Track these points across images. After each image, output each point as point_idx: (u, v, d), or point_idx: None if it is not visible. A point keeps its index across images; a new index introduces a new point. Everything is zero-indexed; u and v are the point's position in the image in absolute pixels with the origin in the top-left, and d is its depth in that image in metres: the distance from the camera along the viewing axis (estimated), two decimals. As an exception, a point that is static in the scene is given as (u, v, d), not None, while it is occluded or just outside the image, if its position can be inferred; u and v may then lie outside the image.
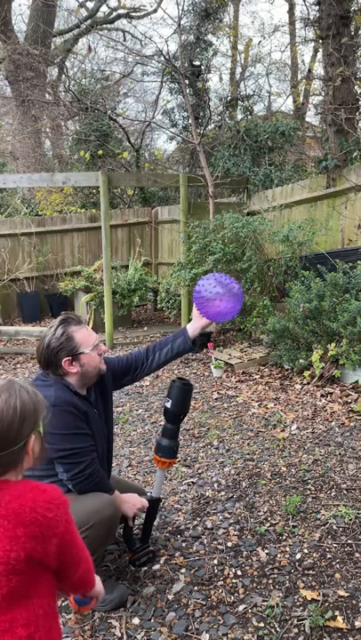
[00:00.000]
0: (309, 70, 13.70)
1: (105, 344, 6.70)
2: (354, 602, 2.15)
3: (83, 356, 2.12)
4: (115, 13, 15.62)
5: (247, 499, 3.00)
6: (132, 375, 2.50)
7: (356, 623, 2.04)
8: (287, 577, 2.33)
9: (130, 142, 10.58)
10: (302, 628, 2.03)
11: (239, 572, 2.38)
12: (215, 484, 3.20)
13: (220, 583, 2.32)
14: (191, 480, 3.29)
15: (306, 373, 4.77)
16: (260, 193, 7.44)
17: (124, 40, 15.32)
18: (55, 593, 1.26)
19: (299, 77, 14.18)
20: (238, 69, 12.41)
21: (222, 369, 5.38)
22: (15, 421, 1.17)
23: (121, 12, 15.24)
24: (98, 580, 1.41)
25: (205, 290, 2.39)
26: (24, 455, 1.21)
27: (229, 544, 2.60)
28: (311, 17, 6.61)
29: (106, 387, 2.37)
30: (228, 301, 2.38)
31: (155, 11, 14.71)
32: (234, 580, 2.33)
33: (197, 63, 9.34)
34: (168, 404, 2.38)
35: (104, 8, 15.40)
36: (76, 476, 2.05)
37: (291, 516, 2.79)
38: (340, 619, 2.05)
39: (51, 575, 1.22)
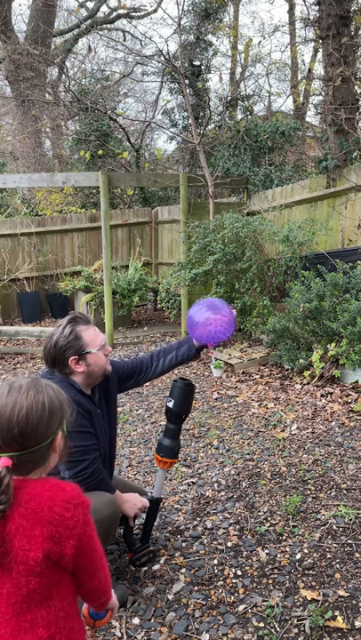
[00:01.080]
0: (309, 70, 13.71)
1: (105, 344, 6.69)
2: (354, 602, 2.15)
3: (89, 355, 2.14)
4: (115, 13, 15.64)
5: (247, 499, 3.00)
6: (136, 379, 2.53)
7: (357, 623, 2.04)
8: (287, 577, 2.33)
9: (130, 142, 10.57)
10: (302, 628, 2.03)
11: (239, 572, 2.39)
12: (215, 484, 3.20)
13: (220, 583, 2.32)
14: (191, 480, 3.29)
15: (306, 373, 4.77)
16: (260, 193, 7.44)
17: (124, 40, 15.34)
18: (76, 594, 1.24)
19: (299, 77, 14.19)
20: (238, 69, 12.42)
21: (222, 369, 5.39)
22: (44, 417, 1.17)
23: (121, 12, 15.26)
24: (113, 592, 1.39)
25: (195, 313, 2.40)
26: (51, 453, 1.22)
27: (229, 544, 2.60)
28: (311, 17, 6.61)
29: (110, 388, 2.38)
30: (218, 324, 2.37)
31: (155, 11, 14.74)
32: (234, 580, 2.33)
33: (197, 63, 9.34)
34: (170, 404, 2.38)
35: (104, 8, 15.44)
36: (78, 474, 2.05)
37: (291, 516, 2.79)
38: (340, 619, 2.05)
39: (71, 577, 1.21)
